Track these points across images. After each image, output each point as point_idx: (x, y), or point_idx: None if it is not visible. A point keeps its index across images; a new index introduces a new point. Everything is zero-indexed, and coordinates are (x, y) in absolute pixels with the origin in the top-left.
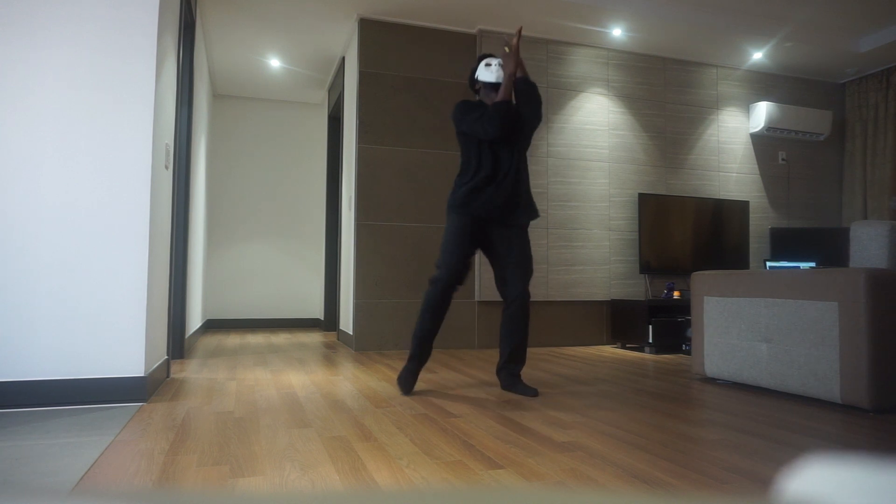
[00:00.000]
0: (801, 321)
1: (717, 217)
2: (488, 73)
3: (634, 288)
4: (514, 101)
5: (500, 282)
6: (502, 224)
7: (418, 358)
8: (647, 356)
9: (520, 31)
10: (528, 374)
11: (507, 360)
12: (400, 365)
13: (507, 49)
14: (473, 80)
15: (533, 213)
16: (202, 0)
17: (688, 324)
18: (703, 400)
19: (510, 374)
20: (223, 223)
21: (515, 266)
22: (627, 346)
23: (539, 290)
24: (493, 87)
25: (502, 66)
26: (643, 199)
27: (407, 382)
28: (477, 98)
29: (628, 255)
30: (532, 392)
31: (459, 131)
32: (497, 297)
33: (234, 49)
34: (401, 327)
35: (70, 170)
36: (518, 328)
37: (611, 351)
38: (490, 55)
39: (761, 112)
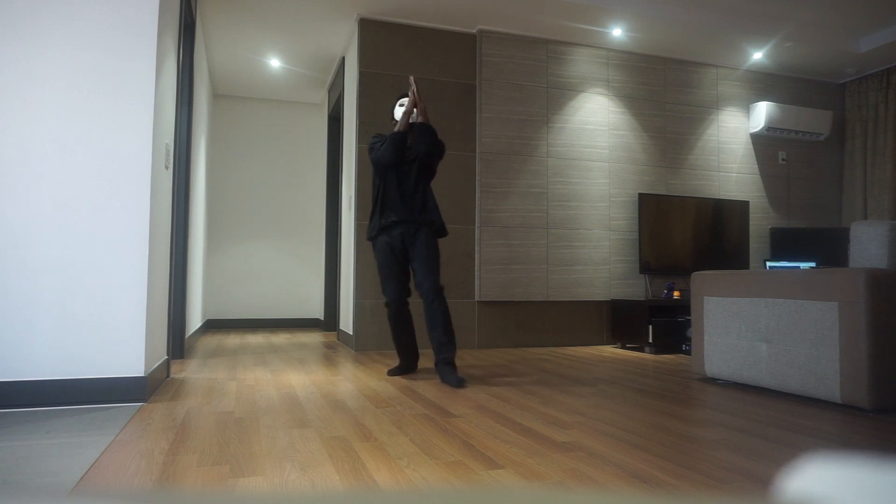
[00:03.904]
0: (801, 321)
1: (717, 217)
2: (397, 112)
3: (634, 288)
4: (409, 138)
5: (416, 283)
6: (414, 240)
7: (405, 360)
8: (647, 356)
9: (413, 81)
10: (527, 373)
11: (437, 353)
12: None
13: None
14: (392, 117)
15: (435, 230)
16: (202, 0)
17: (688, 324)
18: (703, 400)
19: (443, 365)
20: (223, 223)
21: (424, 269)
22: (627, 346)
23: (539, 289)
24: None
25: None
26: (643, 199)
27: (393, 372)
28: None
29: (628, 255)
30: (457, 382)
31: (371, 161)
32: (497, 297)
33: (234, 49)
34: None
35: (70, 170)
36: (436, 323)
37: (611, 351)
38: (404, 95)
39: (761, 112)
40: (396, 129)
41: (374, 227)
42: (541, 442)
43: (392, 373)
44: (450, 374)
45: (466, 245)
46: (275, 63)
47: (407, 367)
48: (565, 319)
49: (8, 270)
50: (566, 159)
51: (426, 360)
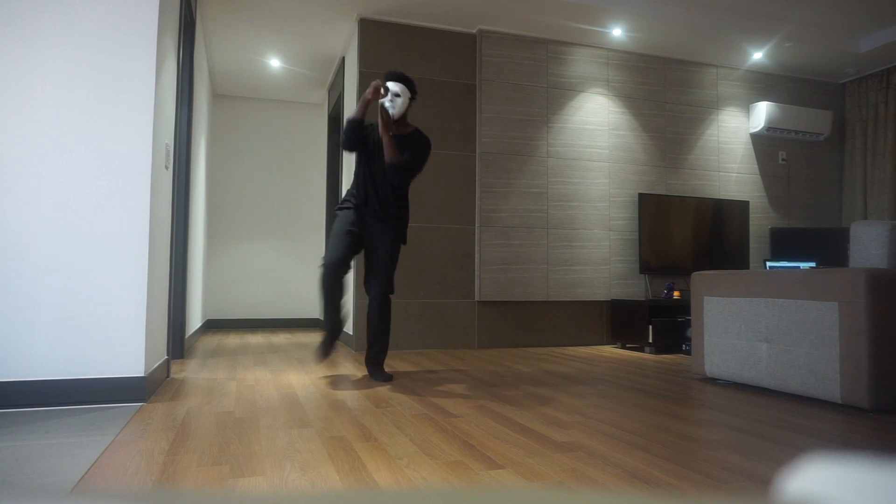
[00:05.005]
0: (801, 321)
1: (717, 217)
2: (386, 101)
3: (634, 288)
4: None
5: (366, 280)
6: (374, 232)
7: (330, 332)
8: (647, 356)
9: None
10: (527, 373)
11: (371, 352)
12: (399, 364)
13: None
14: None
15: (399, 233)
16: (202, 0)
17: (688, 324)
18: (703, 400)
19: (371, 364)
20: (223, 223)
21: (377, 268)
22: (627, 346)
23: (539, 289)
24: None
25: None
26: (643, 199)
27: (321, 352)
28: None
29: (628, 255)
30: (386, 378)
31: None
32: (497, 297)
33: (234, 49)
34: (400, 327)
35: (70, 170)
36: (372, 324)
37: (611, 351)
38: (393, 75)
39: (761, 112)
40: (353, 115)
41: (348, 202)
42: (541, 442)
43: (321, 357)
44: (375, 371)
45: (466, 245)
46: (275, 63)
47: (333, 337)
48: (565, 319)
49: (8, 270)
50: (566, 159)
51: (427, 360)
